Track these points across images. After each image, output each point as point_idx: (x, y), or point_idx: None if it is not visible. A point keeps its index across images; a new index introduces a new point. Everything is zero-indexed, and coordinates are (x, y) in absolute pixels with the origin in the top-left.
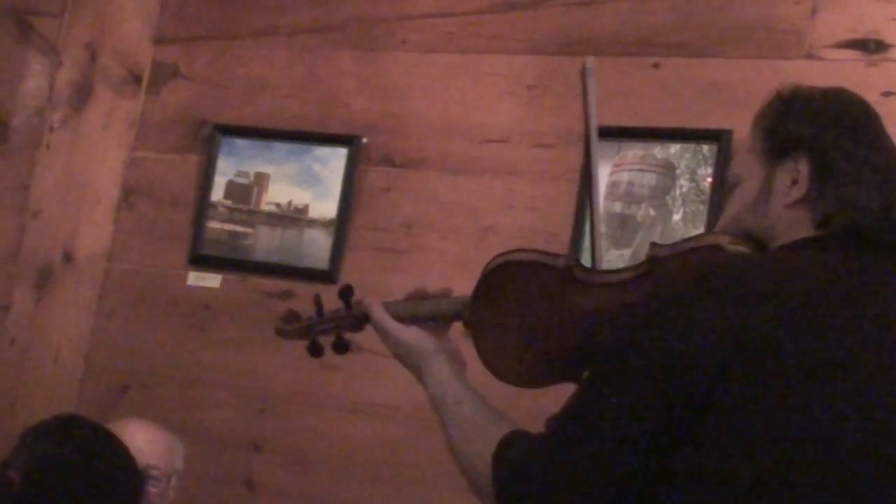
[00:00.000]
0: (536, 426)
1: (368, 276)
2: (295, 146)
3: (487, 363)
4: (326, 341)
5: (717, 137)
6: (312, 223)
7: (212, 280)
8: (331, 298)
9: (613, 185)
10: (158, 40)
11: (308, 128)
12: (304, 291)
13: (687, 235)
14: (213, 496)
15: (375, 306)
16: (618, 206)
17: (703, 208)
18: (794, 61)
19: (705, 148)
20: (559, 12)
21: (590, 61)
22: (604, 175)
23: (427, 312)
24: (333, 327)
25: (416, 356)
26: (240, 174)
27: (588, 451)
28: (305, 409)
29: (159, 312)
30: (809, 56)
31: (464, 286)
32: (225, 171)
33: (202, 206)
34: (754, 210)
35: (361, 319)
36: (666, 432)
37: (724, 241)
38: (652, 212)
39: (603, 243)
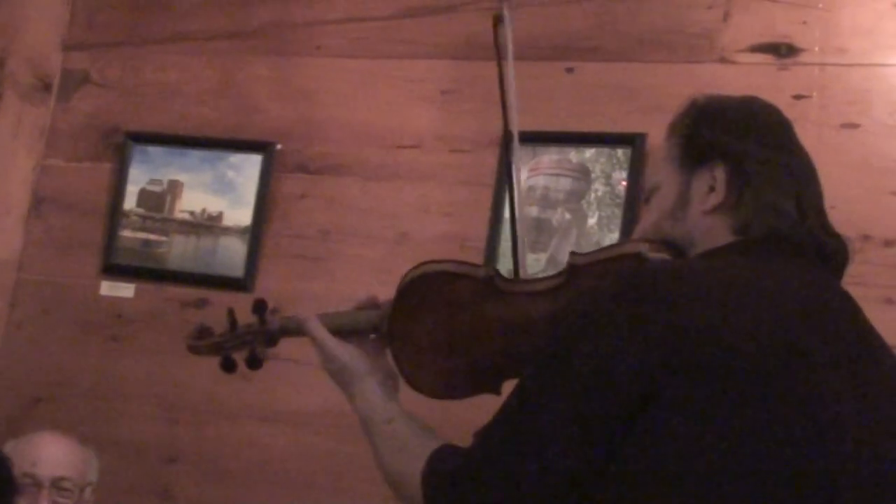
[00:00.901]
0: (468, 440)
1: (284, 283)
2: (209, 153)
3: (406, 376)
4: (240, 356)
5: (632, 141)
6: (227, 231)
7: (125, 289)
8: (245, 310)
9: (530, 190)
10: (68, 47)
11: (222, 134)
12: (218, 300)
13: (602, 239)
14: None
15: (311, 321)
16: (534, 211)
17: (618, 212)
18: (707, 65)
19: (620, 152)
20: (473, 17)
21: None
22: (519, 180)
23: (347, 324)
24: (247, 343)
25: (347, 375)
26: (153, 182)
27: (518, 464)
28: (221, 418)
29: (72, 323)
30: (722, 60)
31: (379, 291)
32: (137, 179)
33: (115, 214)
34: (672, 217)
35: (276, 334)
36: (596, 444)
37: (643, 248)
38: (567, 216)
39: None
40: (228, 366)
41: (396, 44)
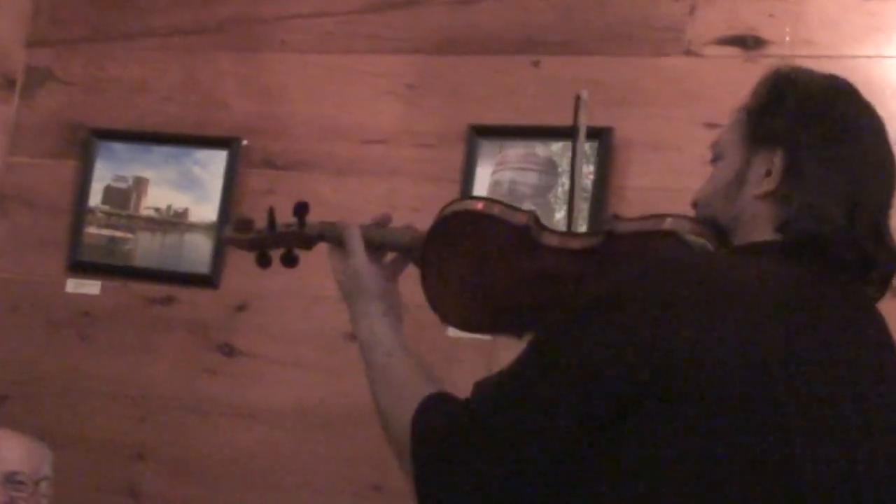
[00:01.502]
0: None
1: (251, 280)
2: (174, 149)
3: (432, 303)
4: (276, 254)
5: (599, 135)
6: (193, 227)
7: (91, 287)
8: (212, 308)
9: (496, 185)
10: (31, 43)
11: (187, 130)
12: (185, 297)
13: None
14: None
15: (352, 228)
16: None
17: (586, 206)
18: (674, 58)
19: (587, 146)
20: (439, 11)
21: (584, 94)
22: (486, 174)
23: (381, 238)
24: (285, 242)
25: (360, 292)
26: (118, 179)
27: (509, 428)
28: (188, 415)
29: (37, 321)
30: (689, 53)
31: None
32: (103, 176)
33: (80, 211)
34: (725, 195)
35: (314, 238)
36: (588, 427)
37: (681, 227)
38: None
39: None
40: (264, 262)
41: (362, 38)
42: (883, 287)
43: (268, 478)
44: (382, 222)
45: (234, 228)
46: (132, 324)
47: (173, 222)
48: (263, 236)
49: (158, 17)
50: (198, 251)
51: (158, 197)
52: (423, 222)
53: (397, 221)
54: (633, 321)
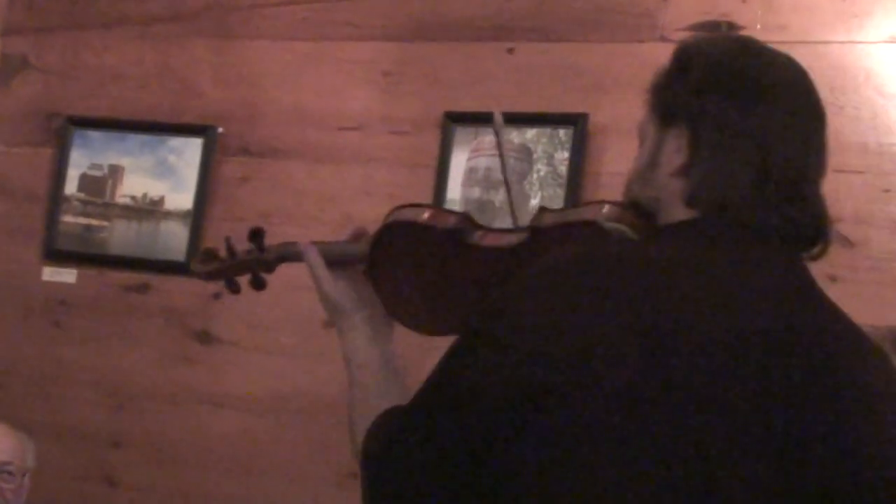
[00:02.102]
0: None
1: None
2: (149, 137)
3: (389, 309)
4: (243, 280)
5: (574, 121)
6: (168, 215)
7: (67, 275)
8: (191, 291)
9: (471, 171)
10: (7, 31)
11: (162, 118)
12: (161, 284)
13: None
14: (74, 494)
15: (309, 249)
16: (476, 192)
17: (561, 192)
18: (648, 44)
19: (562, 132)
20: None
21: (498, 115)
22: (461, 161)
23: (339, 254)
24: (247, 268)
25: (334, 309)
26: (94, 167)
27: (425, 441)
28: (165, 403)
29: (14, 309)
30: (663, 39)
31: None
32: (78, 164)
33: (56, 199)
34: (642, 178)
35: (273, 262)
36: (503, 428)
37: (601, 215)
38: None
39: None
40: (233, 288)
41: (337, 26)
42: (822, 243)
43: (245, 465)
44: (354, 236)
45: (198, 261)
46: (108, 312)
47: (149, 210)
48: (226, 265)
49: (134, 5)
50: (174, 239)
51: (134, 185)
52: None
53: (373, 208)
54: (516, 325)
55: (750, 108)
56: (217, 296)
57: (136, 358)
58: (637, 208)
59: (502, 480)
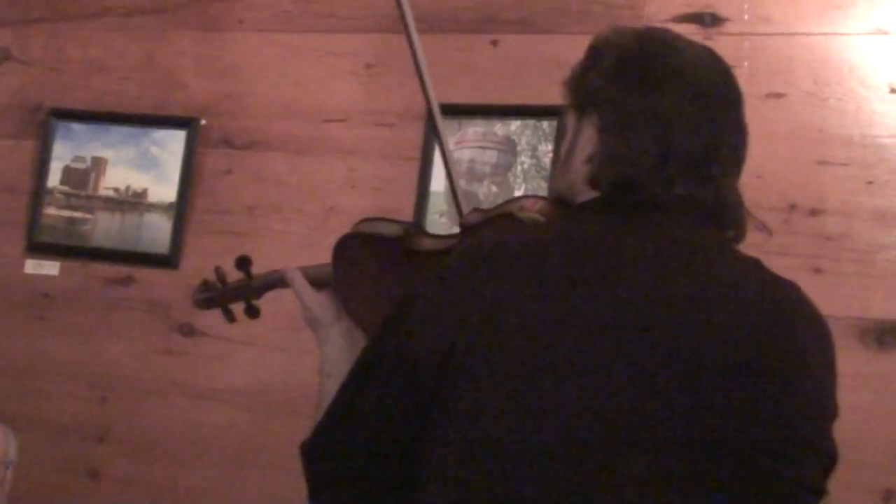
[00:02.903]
0: None
1: (210, 260)
2: (132, 129)
3: (355, 319)
4: (237, 308)
5: (557, 113)
6: (152, 207)
7: (50, 267)
8: (172, 286)
9: (456, 163)
10: None
11: (145, 110)
12: (144, 277)
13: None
14: (57, 487)
15: (292, 272)
16: (460, 184)
17: (545, 184)
18: None
19: (545, 124)
20: None
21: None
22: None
23: (319, 276)
24: (239, 296)
25: (314, 323)
26: (76, 159)
27: (341, 433)
28: (149, 396)
29: None
30: None
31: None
32: (61, 156)
33: (38, 192)
34: (562, 167)
35: (260, 289)
36: (409, 422)
37: (516, 207)
38: (494, 188)
39: (446, 221)
40: (228, 316)
41: (320, 18)
42: (732, 224)
43: (229, 458)
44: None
45: (196, 291)
46: (91, 304)
47: (132, 202)
48: (218, 294)
49: None
50: (157, 231)
51: (117, 177)
52: (384, 201)
53: (357, 200)
54: (418, 314)
55: (652, 91)
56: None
57: (119, 351)
58: (559, 200)
59: (418, 460)
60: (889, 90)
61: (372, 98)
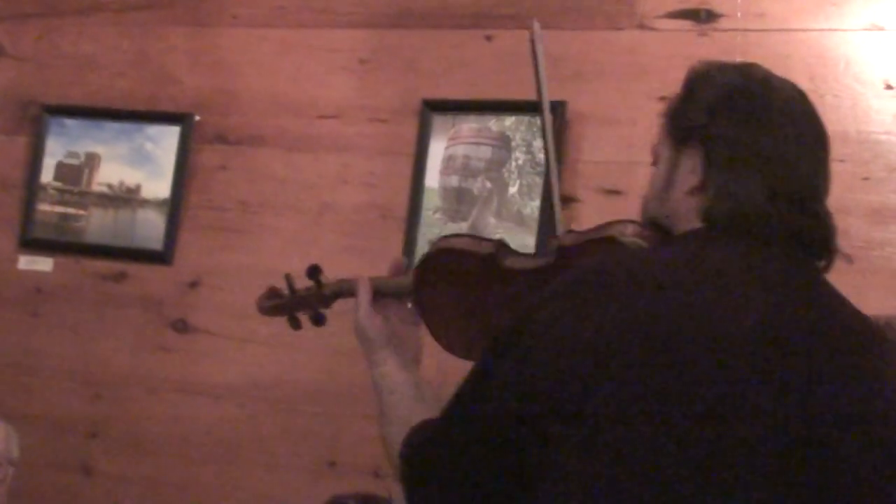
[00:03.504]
0: None
1: (204, 256)
2: (126, 125)
3: (436, 337)
4: (304, 315)
5: (552, 109)
6: (145, 203)
7: (43, 263)
8: (165, 283)
9: (449, 159)
10: None
11: (139, 106)
12: (138, 273)
13: (523, 208)
14: (50, 483)
15: (362, 282)
16: (454, 180)
17: (539, 180)
18: (627, 32)
19: (540, 120)
20: None
21: (537, 26)
22: (439, 149)
23: (389, 289)
24: (307, 304)
25: (367, 343)
26: (70, 155)
27: (458, 442)
28: (142, 392)
29: None
30: (641, 26)
31: (301, 263)
32: (54, 152)
33: (32, 188)
34: (659, 197)
35: (329, 297)
36: (526, 433)
37: (618, 231)
38: (488, 185)
39: (440, 217)
40: (294, 324)
41: (314, 13)
42: (827, 255)
43: (222, 454)
44: (394, 271)
45: (263, 297)
46: (85, 301)
47: (126, 198)
48: (286, 301)
49: None
50: (151, 227)
51: (110, 173)
52: (378, 196)
53: (351, 196)
54: (538, 331)
55: (760, 129)
56: (194, 284)
57: (113, 347)
58: (654, 226)
59: (526, 483)
60: (885, 86)
61: (366, 93)
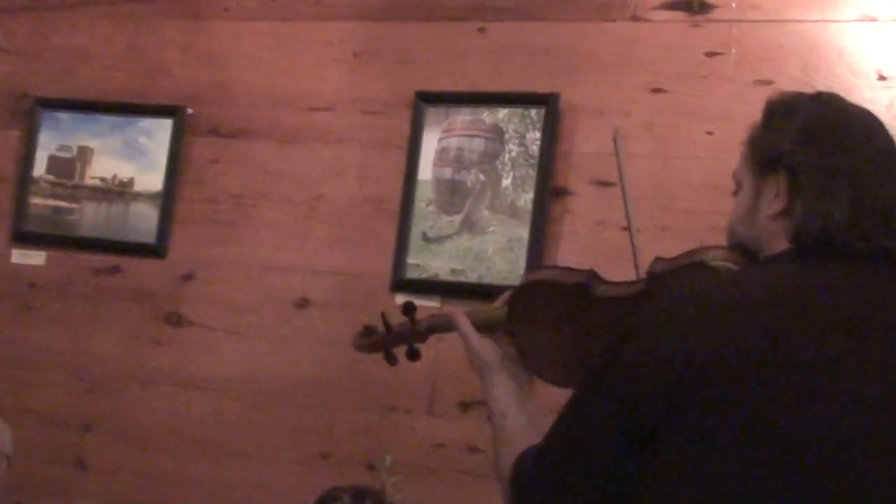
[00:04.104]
0: None
1: (197, 249)
2: (119, 118)
3: (530, 367)
4: (399, 351)
5: (545, 101)
6: (138, 197)
7: (36, 257)
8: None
9: (443, 151)
10: None
11: (132, 99)
12: (131, 266)
13: (517, 200)
14: (44, 478)
15: (459, 316)
16: (447, 172)
17: (533, 172)
18: (620, 23)
19: (533, 112)
20: None
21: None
22: (433, 141)
23: (485, 320)
24: (403, 339)
25: (482, 367)
26: (62, 148)
27: (563, 464)
28: (136, 386)
29: None
30: (635, 18)
31: (294, 255)
32: (47, 146)
33: (24, 181)
34: (744, 221)
35: (425, 333)
36: (631, 451)
37: (708, 257)
38: (482, 177)
39: (433, 210)
40: (391, 360)
41: (307, 5)
42: None
43: (215, 447)
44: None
45: (360, 335)
46: (78, 294)
47: (119, 192)
48: (383, 338)
49: None
50: (144, 221)
51: (103, 166)
52: (371, 189)
53: (344, 188)
54: (640, 351)
55: (842, 154)
56: (188, 277)
57: (106, 341)
58: (741, 249)
59: (633, 487)
60: (877, 77)
61: (359, 86)
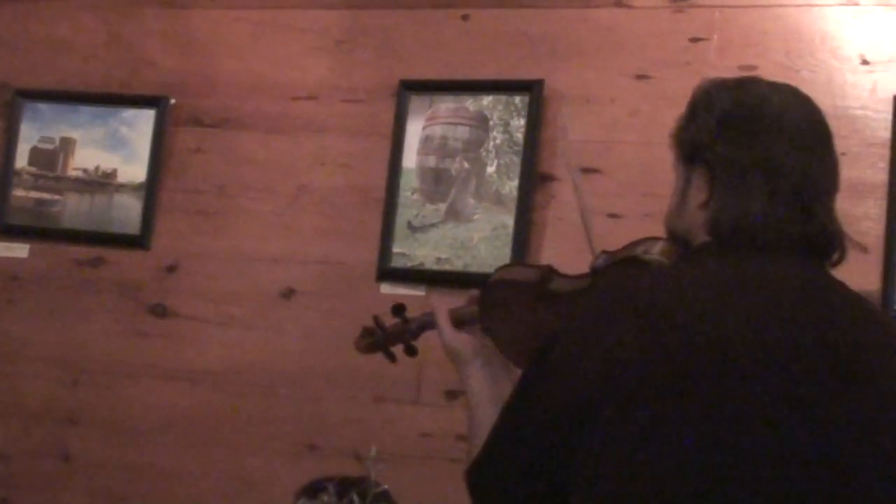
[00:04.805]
0: None
1: (181, 240)
2: (101, 109)
3: (502, 352)
4: (397, 349)
5: (529, 88)
6: (122, 188)
7: (19, 250)
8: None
9: (427, 140)
10: None
11: (114, 90)
12: (115, 258)
13: (501, 188)
14: (29, 471)
15: (440, 312)
16: (431, 161)
17: (517, 160)
18: (604, 9)
19: (517, 99)
20: None
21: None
22: (417, 129)
23: (463, 316)
24: (398, 339)
25: (456, 359)
26: (44, 140)
27: (498, 462)
28: (120, 378)
29: None
30: (619, 4)
31: (279, 246)
32: (28, 137)
33: (6, 173)
34: (676, 212)
35: (417, 331)
36: (555, 458)
37: (641, 251)
38: (466, 165)
39: (418, 198)
40: (390, 358)
41: None
42: (836, 253)
43: (202, 439)
44: (469, 301)
45: (360, 337)
46: (62, 286)
47: (102, 183)
48: (380, 339)
49: None
50: (127, 212)
51: (86, 157)
52: (355, 178)
53: (328, 178)
54: (564, 356)
55: (756, 142)
56: (172, 268)
57: (90, 333)
58: (676, 240)
59: (568, 484)
60: (860, 61)
61: (342, 74)
